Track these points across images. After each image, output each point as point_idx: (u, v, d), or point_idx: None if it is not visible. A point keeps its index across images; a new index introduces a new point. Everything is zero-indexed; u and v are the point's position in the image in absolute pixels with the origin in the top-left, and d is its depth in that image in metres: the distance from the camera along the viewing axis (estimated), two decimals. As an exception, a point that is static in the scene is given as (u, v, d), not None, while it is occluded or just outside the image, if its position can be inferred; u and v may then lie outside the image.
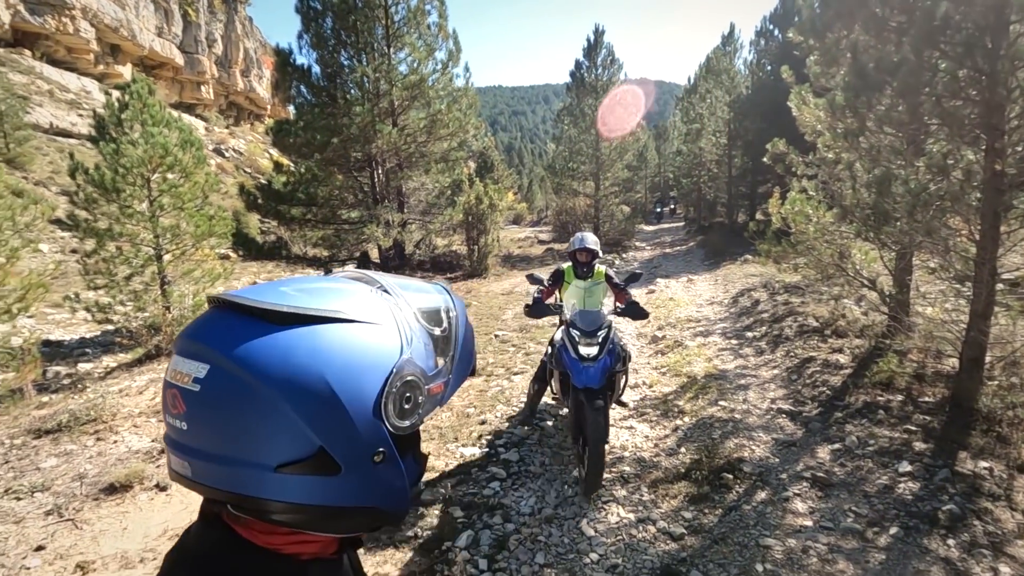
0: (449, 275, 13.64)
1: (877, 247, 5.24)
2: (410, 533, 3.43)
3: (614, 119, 17.43)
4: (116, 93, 8.02)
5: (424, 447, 4.59)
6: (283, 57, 12.94)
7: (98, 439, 4.76)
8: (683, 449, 4.33)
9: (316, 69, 13.52)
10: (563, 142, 19.10)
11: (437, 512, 3.64)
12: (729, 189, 18.98)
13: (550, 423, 4.92)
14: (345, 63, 13.41)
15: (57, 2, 34.52)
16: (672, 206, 31.38)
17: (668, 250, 18.06)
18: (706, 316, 8.33)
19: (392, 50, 13.47)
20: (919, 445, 3.88)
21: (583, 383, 3.53)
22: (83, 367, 8.57)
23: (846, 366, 5.34)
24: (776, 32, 17.24)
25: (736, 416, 4.77)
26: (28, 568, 3.15)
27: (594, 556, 3.13)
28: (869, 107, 4.58)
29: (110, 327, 8.41)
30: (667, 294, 10.12)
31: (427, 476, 4.09)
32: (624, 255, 16.92)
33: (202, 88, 48.17)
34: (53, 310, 10.57)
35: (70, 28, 35.21)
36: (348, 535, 0.64)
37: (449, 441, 4.71)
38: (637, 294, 10.69)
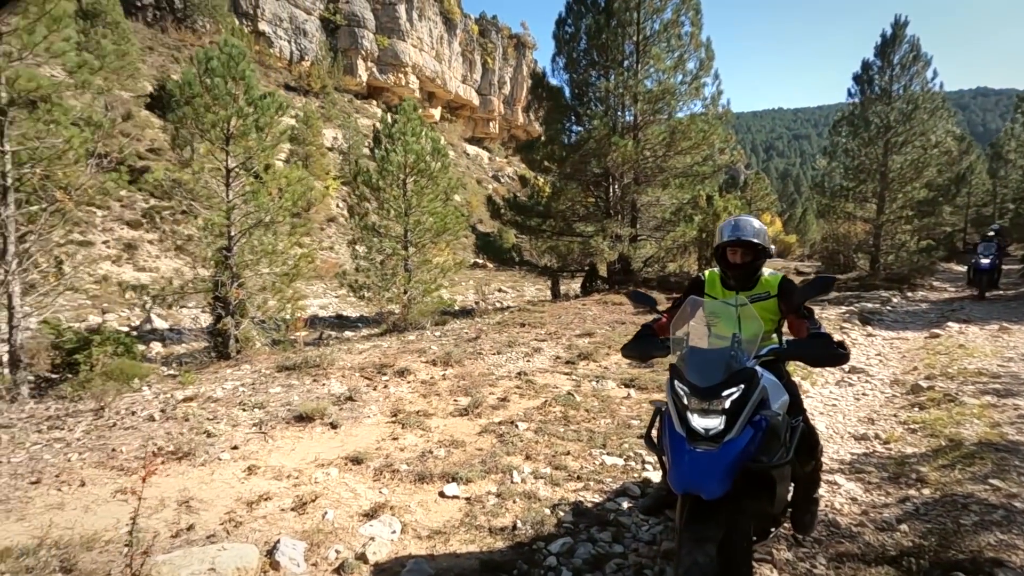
0: (675, 295, 12.73)
1: None
2: (509, 522, 3.14)
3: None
4: (390, 114, 9.70)
5: (566, 446, 4.23)
6: (537, 78, 14.02)
7: (313, 380, 5.69)
8: (904, 527, 3.04)
9: (567, 90, 14.28)
10: (837, 156, 16.16)
11: (548, 512, 3.26)
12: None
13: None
14: (593, 81, 13.82)
15: (396, 62, 44.20)
16: (994, 242, 14.27)
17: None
18: (1013, 372, 5.91)
19: (640, 64, 13.37)
20: None
21: (683, 484, 2.02)
22: (348, 333, 10.50)
23: None
24: None
25: (1016, 504, 3.16)
26: (220, 460, 3.86)
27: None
28: None
29: (365, 311, 10.19)
30: (956, 340, 7.54)
31: (555, 472, 3.73)
32: (909, 294, 13.38)
33: (490, 124, 55.85)
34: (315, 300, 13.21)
35: (403, 81, 44.62)
36: None
37: (596, 446, 4.24)
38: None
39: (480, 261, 24.63)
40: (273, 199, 6.80)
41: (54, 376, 6.20)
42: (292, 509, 3.21)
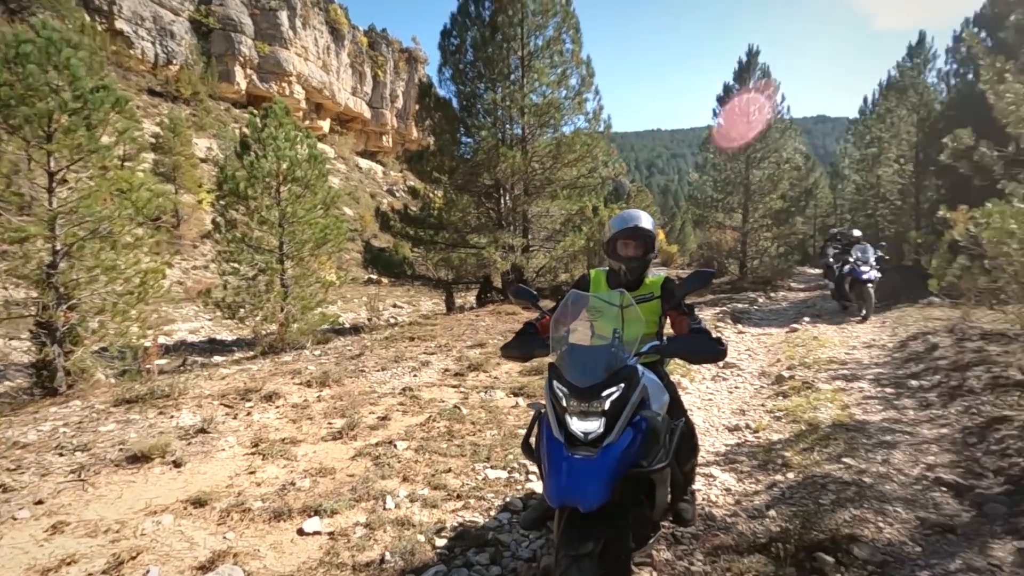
0: (566, 303, 12.98)
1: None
2: (376, 555, 2.80)
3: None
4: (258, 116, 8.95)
5: (447, 463, 3.96)
6: (424, 88, 13.78)
7: (159, 412, 4.93)
8: (772, 512, 3.12)
9: (455, 101, 14.16)
10: (707, 170, 17.56)
11: (422, 538, 2.96)
12: (916, 224, 15.68)
13: None
14: (481, 93, 13.83)
15: (279, 71, 41.93)
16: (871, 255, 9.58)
17: (829, 292, 15.35)
18: (857, 359, 6.55)
19: (525, 79, 13.60)
20: None
21: (560, 497, 1.85)
22: (217, 359, 9.45)
23: (1065, 434, 3.58)
24: (984, 35, 14.14)
25: (865, 480, 3.37)
26: (16, 519, 3.13)
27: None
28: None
29: (243, 333, 9.25)
30: (811, 333, 8.32)
31: (433, 493, 3.44)
32: (772, 295, 14.72)
33: (383, 138, 54.63)
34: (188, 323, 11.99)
35: (287, 91, 42.36)
36: None
37: (480, 460, 4.01)
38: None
39: (374, 277, 23.73)
40: (108, 206, 5.90)
41: None
42: (103, 573, 2.63)
